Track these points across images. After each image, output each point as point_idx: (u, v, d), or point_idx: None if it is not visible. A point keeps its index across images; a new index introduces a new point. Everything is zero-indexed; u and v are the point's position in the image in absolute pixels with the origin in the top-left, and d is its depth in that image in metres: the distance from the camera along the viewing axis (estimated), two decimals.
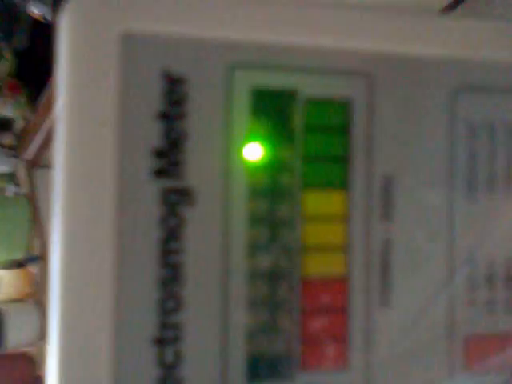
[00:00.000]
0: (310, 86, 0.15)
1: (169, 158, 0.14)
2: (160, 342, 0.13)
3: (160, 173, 0.14)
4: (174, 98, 0.14)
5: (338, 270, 0.14)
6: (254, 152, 0.14)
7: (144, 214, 0.13)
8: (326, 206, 0.15)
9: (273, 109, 0.14)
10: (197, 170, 0.14)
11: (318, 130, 0.15)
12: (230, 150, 0.14)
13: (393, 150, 0.15)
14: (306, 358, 0.14)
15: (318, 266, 0.14)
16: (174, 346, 0.13)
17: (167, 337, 0.13)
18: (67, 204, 0.13)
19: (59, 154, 0.13)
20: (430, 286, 0.15)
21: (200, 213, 0.14)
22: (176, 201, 0.14)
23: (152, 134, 0.14)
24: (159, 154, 0.14)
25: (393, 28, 0.15)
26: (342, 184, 0.15)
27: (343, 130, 0.15)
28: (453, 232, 0.15)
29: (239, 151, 0.14)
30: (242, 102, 0.14)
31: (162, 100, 0.14)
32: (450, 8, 0.33)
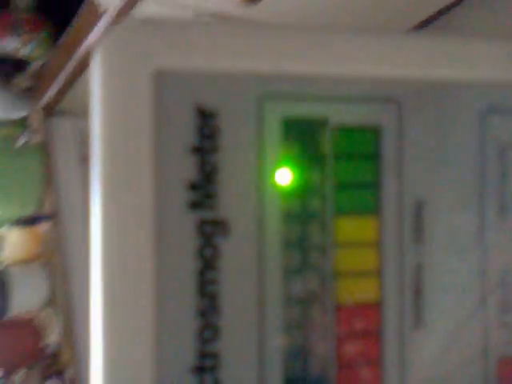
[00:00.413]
0: (339, 114, 0.15)
1: (203, 190, 0.14)
2: (199, 371, 0.14)
3: (195, 205, 0.14)
4: (206, 131, 0.14)
5: (372, 294, 0.15)
6: (286, 180, 0.15)
7: (181, 246, 0.14)
8: (358, 231, 0.15)
9: (304, 137, 0.15)
10: (230, 201, 0.14)
11: (348, 157, 0.15)
12: (262, 180, 0.14)
13: (423, 174, 0.15)
14: (341, 381, 0.14)
15: (351, 291, 0.15)
16: (212, 374, 0.14)
17: (206, 365, 0.14)
18: (107, 238, 0.14)
19: (97, 191, 0.14)
20: (463, 308, 0.15)
21: (235, 243, 0.14)
22: (211, 232, 0.14)
23: (186, 167, 0.14)
24: (194, 186, 0.14)
25: (420, 53, 0.15)
26: (374, 209, 0.15)
27: (373, 156, 0.15)
28: (485, 253, 0.15)
29: (271, 180, 0.15)
30: (274, 132, 0.14)
31: (195, 134, 0.14)
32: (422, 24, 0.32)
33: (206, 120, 0.14)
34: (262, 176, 0.14)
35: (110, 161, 0.14)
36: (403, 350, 0.15)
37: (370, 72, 0.15)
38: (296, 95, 0.15)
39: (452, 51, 0.15)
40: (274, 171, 0.15)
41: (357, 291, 0.15)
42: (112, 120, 0.14)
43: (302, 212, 0.15)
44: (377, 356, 0.15)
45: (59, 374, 0.61)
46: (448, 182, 0.15)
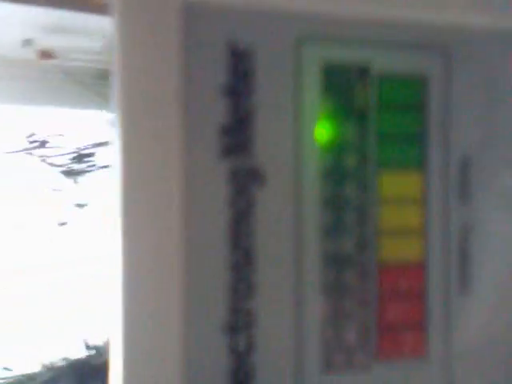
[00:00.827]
0: (383, 62, 0.14)
1: (236, 135, 0.13)
2: (232, 329, 0.13)
3: (228, 151, 0.13)
4: (240, 71, 0.13)
5: (415, 255, 0.14)
6: (325, 131, 0.14)
7: (212, 196, 0.13)
8: (401, 187, 0.14)
9: (344, 85, 0.14)
10: (266, 148, 0.13)
11: (392, 108, 0.14)
12: (300, 128, 0.13)
13: (470, 128, 0.14)
14: (382, 346, 0.13)
15: (394, 251, 0.14)
16: (246, 333, 0.13)
17: (239, 324, 0.13)
18: (131, 188, 0.13)
19: (122, 134, 0.13)
20: (510, 271, 0.14)
21: (270, 193, 0.13)
22: (245, 181, 0.13)
23: (218, 110, 0.13)
24: (226, 131, 0.13)
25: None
26: (418, 164, 0.14)
27: (419, 107, 0.14)
28: None
29: (310, 129, 0.13)
30: (312, 78, 0.13)
31: (227, 74, 0.13)
32: None
33: (239, 59, 0.13)
34: (299, 124, 0.13)
35: (134, 103, 0.13)
36: (448, 313, 0.14)
37: (418, 16, 0.14)
38: (337, 39, 0.14)
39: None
40: (312, 121, 0.13)
41: (400, 251, 0.14)
42: (136, 59, 0.13)
43: (341, 166, 0.14)
44: (420, 319, 0.14)
45: None
46: (498, 138, 0.14)
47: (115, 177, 0.13)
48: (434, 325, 0.14)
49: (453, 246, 0.14)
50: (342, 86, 0.14)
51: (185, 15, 0.13)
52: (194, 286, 0.13)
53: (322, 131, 0.14)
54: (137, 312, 0.12)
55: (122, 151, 0.13)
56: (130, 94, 0.13)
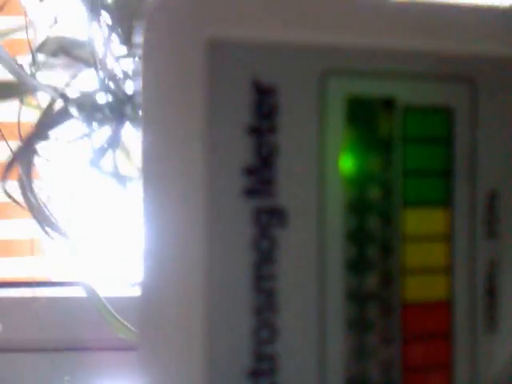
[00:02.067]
0: (408, 94, 0.13)
1: (260, 175, 0.13)
2: (255, 374, 0.12)
3: (251, 192, 0.13)
4: (264, 109, 0.13)
5: (441, 293, 0.13)
6: (349, 165, 0.13)
7: (235, 236, 0.13)
8: (427, 224, 0.13)
9: (369, 118, 0.13)
10: (289, 187, 0.13)
11: (417, 142, 0.13)
12: (324, 164, 0.13)
13: (498, 162, 0.14)
14: None
15: (418, 289, 0.13)
16: (269, 378, 0.12)
17: (262, 368, 0.12)
18: (155, 227, 0.12)
19: (146, 171, 0.12)
20: None
21: (294, 234, 0.13)
22: (268, 221, 0.13)
23: (242, 149, 0.13)
24: (250, 171, 0.13)
25: (496, 26, 0.14)
26: (445, 200, 0.13)
27: (445, 141, 0.13)
28: None
29: (334, 165, 0.13)
30: (337, 112, 0.13)
31: (252, 112, 0.13)
32: None
33: (263, 96, 0.13)
34: (323, 160, 0.13)
35: (159, 141, 0.12)
36: (475, 353, 0.13)
37: (444, 47, 0.13)
38: (362, 71, 0.13)
39: None
40: (336, 155, 0.13)
41: (425, 288, 0.13)
42: (160, 96, 0.12)
43: (365, 201, 0.13)
44: (446, 359, 0.13)
45: None
46: None
47: (143, 207, 0.13)
48: (460, 365, 0.13)
49: (479, 283, 0.14)
50: (367, 119, 0.13)
51: (209, 52, 0.12)
52: (216, 330, 0.12)
53: (346, 164, 0.13)
54: (159, 357, 0.12)
55: (146, 182, 0.13)
56: (156, 130, 0.13)
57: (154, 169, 0.12)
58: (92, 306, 0.29)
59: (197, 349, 0.12)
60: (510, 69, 0.14)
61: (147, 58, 0.13)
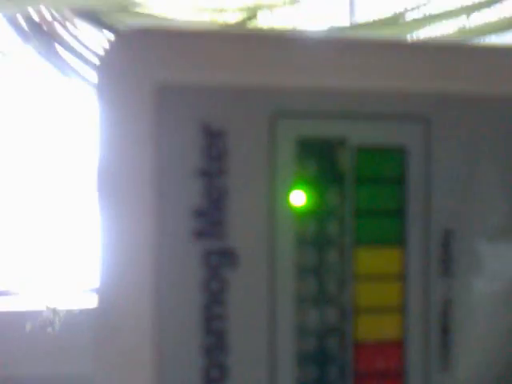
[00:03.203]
0: (360, 133, 0.13)
1: (210, 217, 0.13)
2: None
3: (201, 234, 0.13)
4: (214, 152, 0.13)
5: (394, 332, 0.13)
6: (300, 202, 0.13)
7: (185, 278, 0.13)
8: (380, 263, 0.13)
9: (320, 157, 0.13)
10: (239, 228, 0.13)
11: (370, 181, 0.13)
12: (274, 203, 0.13)
13: (452, 201, 0.14)
14: None
15: (371, 328, 0.13)
16: None
17: None
18: (105, 266, 0.13)
19: (100, 205, 0.13)
20: (494, 349, 0.14)
21: (244, 274, 0.13)
22: (218, 263, 0.13)
23: (191, 192, 0.13)
24: (200, 213, 0.13)
25: (450, 64, 0.14)
26: (398, 240, 0.13)
27: (398, 180, 0.13)
28: None
29: (284, 205, 0.13)
30: (287, 153, 0.13)
31: (201, 155, 0.13)
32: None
33: (213, 140, 0.13)
34: (274, 199, 0.13)
35: (108, 184, 0.13)
36: None
37: (395, 86, 0.13)
38: (312, 112, 0.13)
39: (489, 61, 0.14)
40: (287, 195, 0.13)
41: (378, 328, 0.13)
42: (109, 139, 0.13)
43: (317, 240, 0.13)
44: None
45: None
46: (478, 210, 0.14)
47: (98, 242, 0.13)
48: None
49: (433, 321, 0.14)
50: (318, 158, 0.13)
51: (158, 96, 0.13)
52: (167, 369, 0.13)
53: (297, 201, 0.13)
54: None
55: (101, 217, 0.13)
56: (106, 176, 0.13)
57: (107, 207, 0.13)
58: None
59: None
60: (465, 107, 0.14)
61: (100, 98, 0.13)
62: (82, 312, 0.32)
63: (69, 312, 0.32)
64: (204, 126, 0.13)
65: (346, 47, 0.13)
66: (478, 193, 0.14)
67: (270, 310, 0.13)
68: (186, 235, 0.13)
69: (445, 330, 0.14)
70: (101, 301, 0.13)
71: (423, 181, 0.14)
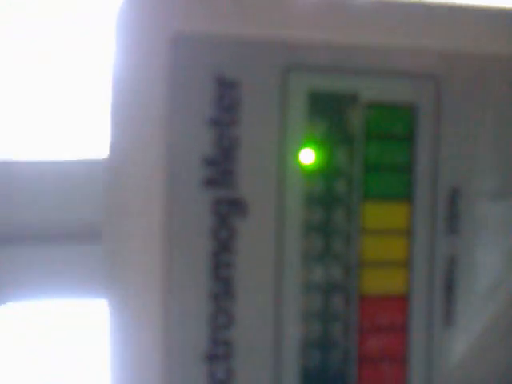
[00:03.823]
0: (371, 90, 0.14)
1: (220, 166, 0.13)
2: (211, 359, 0.13)
3: (211, 182, 0.13)
4: (226, 103, 0.13)
5: (399, 286, 0.14)
6: (310, 159, 0.13)
7: (194, 225, 0.13)
8: (387, 218, 0.14)
9: (331, 113, 0.13)
10: (249, 179, 0.13)
11: (379, 137, 0.14)
12: (284, 157, 0.13)
13: (460, 160, 0.14)
14: (362, 378, 0.13)
15: (376, 282, 0.14)
16: (225, 363, 0.13)
17: (219, 353, 0.13)
18: (114, 216, 0.13)
19: (109, 156, 0.13)
20: (497, 305, 0.14)
21: (252, 224, 0.13)
22: (228, 211, 0.13)
23: (203, 141, 0.13)
24: (210, 162, 0.13)
25: (461, 24, 0.14)
26: (405, 195, 0.14)
27: (407, 137, 0.14)
28: None
29: (295, 158, 0.13)
30: (298, 106, 0.13)
31: (213, 105, 0.13)
32: None
33: (225, 90, 0.13)
34: (284, 154, 0.13)
35: (120, 130, 0.13)
36: (431, 347, 0.14)
37: (407, 44, 0.14)
38: (324, 67, 0.13)
39: (499, 22, 0.14)
40: (297, 149, 0.13)
41: (383, 282, 0.14)
42: (125, 87, 0.13)
43: (326, 195, 0.13)
44: (402, 352, 0.14)
45: None
46: (485, 169, 0.14)
47: (107, 191, 0.13)
48: (416, 358, 0.14)
49: (438, 278, 0.14)
50: (329, 114, 0.14)
51: (173, 46, 0.13)
52: (174, 316, 0.13)
53: (307, 158, 0.14)
54: (119, 344, 0.13)
55: (109, 170, 0.13)
56: (119, 124, 0.13)
57: (116, 156, 0.13)
58: None
59: (154, 333, 0.13)
60: (475, 66, 0.14)
61: (117, 50, 0.13)
62: None
63: None
64: (217, 77, 0.13)
65: (360, 5, 0.13)
66: (485, 152, 0.14)
67: (277, 262, 0.13)
68: (197, 183, 0.13)
69: (449, 286, 0.14)
70: (109, 251, 0.13)
71: (432, 139, 0.14)
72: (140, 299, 0.13)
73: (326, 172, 0.14)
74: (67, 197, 0.25)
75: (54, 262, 0.25)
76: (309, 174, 0.13)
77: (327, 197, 0.14)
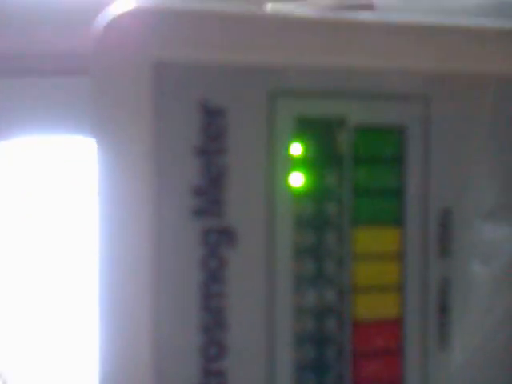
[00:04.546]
0: (359, 113, 0.13)
1: (209, 195, 0.13)
2: None
3: (200, 212, 0.13)
4: (212, 131, 0.13)
5: (392, 310, 0.13)
6: (299, 184, 0.13)
7: (184, 256, 0.13)
8: (378, 243, 0.13)
9: (319, 138, 0.13)
10: (238, 207, 0.13)
11: (368, 161, 0.13)
12: (273, 183, 0.13)
13: (451, 180, 0.14)
14: None
15: (369, 306, 0.13)
16: None
17: None
18: (103, 247, 0.13)
19: (100, 188, 0.13)
20: (492, 327, 0.14)
21: (242, 252, 0.13)
22: (217, 241, 0.13)
23: (190, 170, 0.13)
24: (198, 191, 0.13)
25: (450, 43, 0.14)
26: (396, 219, 0.13)
27: (396, 159, 0.13)
28: None
29: (283, 183, 0.13)
30: (286, 132, 0.13)
31: (200, 134, 0.13)
32: None
33: (212, 118, 0.13)
34: (272, 180, 0.13)
35: (106, 163, 0.13)
36: (426, 371, 0.13)
37: (395, 65, 0.13)
38: (311, 91, 0.13)
39: (488, 42, 0.14)
40: (286, 175, 0.13)
41: (376, 306, 0.13)
42: (107, 118, 0.13)
43: (316, 220, 0.13)
44: (397, 377, 0.13)
45: None
46: (477, 189, 0.14)
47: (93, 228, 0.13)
48: (411, 382, 0.13)
49: (431, 300, 0.14)
50: (317, 138, 0.13)
51: (157, 74, 0.13)
52: (165, 348, 0.13)
53: (296, 183, 0.13)
54: (111, 373, 0.13)
55: (100, 197, 0.13)
56: (105, 155, 0.13)
57: (103, 191, 0.13)
58: None
59: (146, 366, 0.13)
60: (464, 86, 0.14)
61: (96, 79, 0.13)
62: None
63: None
64: (203, 104, 0.13)
65: (347, 27, 0.13)
66: (475, 172, 0.14)
67: (269, 289, 0.13)
68: (185, 213, 0.13)
69: (443, 309, 0.14)
70: (100, 279, 0.13)
71: (421, 160, 0.14)
72: (129, 331, 0.13)
73: (316, 196, 0.13)
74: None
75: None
76: (298, 199, 0.13)
77: (318, 221, 0.13)
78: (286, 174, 0.13)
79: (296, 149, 0.13)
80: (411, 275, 0.14)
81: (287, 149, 0.13)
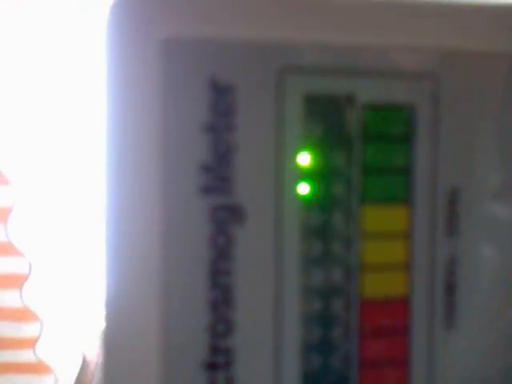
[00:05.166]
0: (368, 91, 0.13)
1: (217, 172, 0.13)
2: (211, 367, 0.13)
3: (208, 189, 0.13)
4: (221, 108, 0.13)
5: (399, 289, 0.13)
6: (307, 162, 0.13)
7: (192, 233, 0.13)
8: (386, 221, 0.13)
9: (328, 115, 0.13)
10: (247, 184, 0.13)
11: (377, 139, 0.13)
12: (281, 161, 0.13)
13: (460, 159, 0.14)
14: (363, 381, 0.13)
15: (377, 285, 0.13)
16: (225, 371, 0.13)
17: (218, 361, 0.13)
18: (112, 224, 0.13)
19: (105, 172, 0.13)
20: (499, 306, 0.14)
21: (250, 230, 0.13)
22: (225, 218, 0.13)
23: (199, 147, 0.13)
24: (207, 168, 0.13)
25: (460, 21, 0.14)
26: (404, 198, 0.13)
27: (405, 138, 0.13)
28: None
29: (292, 162, 0.13)
30: (295, 109, 0.13)
31: (209, 111, 0.13)
32: None
33: (221, 95, 0.13)
34: (281, 158, 0.13)
35: (115, 139, 0.13)
36: (432, 349, 0.14)
37: (405, 43, 0.13)
38: (320, 68, 0.13)
39: (497, 20, 0.13)
40: (294, 152, 0.13)
41: (383, 285, 0.13)
42: (116, 94, 0.13)
43: (324, 198, 0.13)
44: (403, 355, 0.13)
45: None
46: (485, 167, 0.14)
47: (101, 205, 0.13)
48: (417, 361, 0.13)
49: (439, 280, 0.14)
50: (326, 116, 0.13)
51: (166, 51, 0.12)
52: (173, 325, 0.13)
53: (305, 161, 0.13)
54: (115, 352, 0.13)
55: (105, 180, 0.13)
56: (113, 131, 0.13)
57: (112, 167, 0.13)
58: None
59: (154, 342, 0.13)
60: (474, 65, 0.13)
61: (107, 56, 0.13)
62: None
63: None
64: (211, 81, 0.13)
65: (357, 5, 0.13)
66: (484, 151, 0.14)
67: (277, 267, 0.13)
68: (193, 190, 0.13)
69: (450, 288, 0.14)
70: (108, 258, 0.13)
71: (430, 139, 0.13)
72: (138, 310, 0.13)
73: (324, 175, 0.13)
74: None
75: None
76: (307, 178, 0.13)
77: (326, 199, 0.13)
78: (295, 151, 0.13)
79: (305, 127, 0.13)
80: (419, 254, 0.13)
81: (296, 126, 0.13)
